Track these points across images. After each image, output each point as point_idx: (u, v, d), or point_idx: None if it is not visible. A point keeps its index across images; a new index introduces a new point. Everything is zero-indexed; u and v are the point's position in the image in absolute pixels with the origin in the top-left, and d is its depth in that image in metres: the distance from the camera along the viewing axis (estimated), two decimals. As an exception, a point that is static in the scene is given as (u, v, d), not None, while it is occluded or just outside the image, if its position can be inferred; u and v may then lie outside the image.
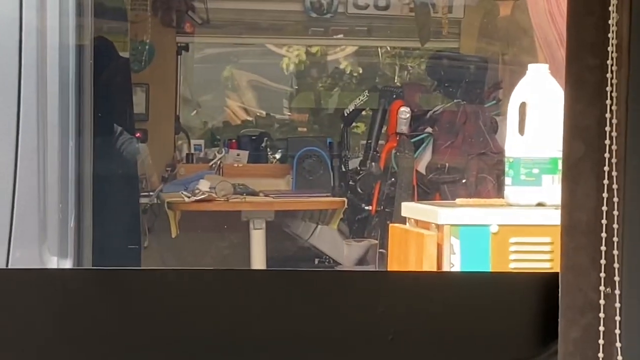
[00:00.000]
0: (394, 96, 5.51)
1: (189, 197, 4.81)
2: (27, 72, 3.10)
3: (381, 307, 1.53)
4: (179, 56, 5.78)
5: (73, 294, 1.40)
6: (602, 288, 1.30)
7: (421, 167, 5.22)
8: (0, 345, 1.34)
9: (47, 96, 3.15)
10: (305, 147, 5.61)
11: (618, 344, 1.31)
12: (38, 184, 3.10)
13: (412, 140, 5.20)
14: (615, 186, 1.29)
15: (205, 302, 1.42)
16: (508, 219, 2.55)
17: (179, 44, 5.71)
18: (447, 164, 5.18)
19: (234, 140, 5.94)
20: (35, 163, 3.17)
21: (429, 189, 5.12)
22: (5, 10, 3.08)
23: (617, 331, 1.29)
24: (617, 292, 1.28)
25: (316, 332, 1.53)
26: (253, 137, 6.03)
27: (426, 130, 5.33)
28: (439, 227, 2.53)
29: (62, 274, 1.88)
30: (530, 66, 2.62)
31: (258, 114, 6.81)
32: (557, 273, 1.37)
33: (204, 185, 4.89)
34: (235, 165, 5.69)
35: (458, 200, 2.95)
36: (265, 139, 5.98)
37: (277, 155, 6.00)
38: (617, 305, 1.28)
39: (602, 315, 1.29)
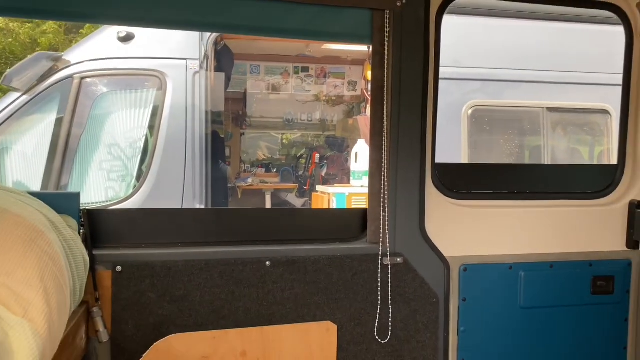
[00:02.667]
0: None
1: None
2: None
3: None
4: None
5: None
6: (381, 210, 2.41)
7: (324, 173, 9.04)
8: None
9: None
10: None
11: (387, 225, 2.39)
12: None
13: (321, 165, 8.96)
14: (385, 178, 2.39)
15: None
16: (352, 190, 6.05)
17: None
18: (331, 172, 9.03)
19: None
20: None
21: (327, 181, 8.74)
22: None
23: (385, 214, 2.40)
24: (385, 213, 2.43)
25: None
26: None
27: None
28: (329, 194, 6.10)
29: None
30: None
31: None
32: (367, 208, 2.47)
33: None
34: None
35: (336, 185, 6.51)
36: None
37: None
38: (384, 214, 2.40)
39: (382, 219, 2.42)
